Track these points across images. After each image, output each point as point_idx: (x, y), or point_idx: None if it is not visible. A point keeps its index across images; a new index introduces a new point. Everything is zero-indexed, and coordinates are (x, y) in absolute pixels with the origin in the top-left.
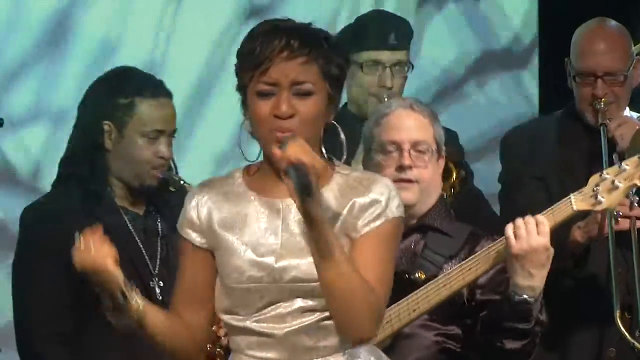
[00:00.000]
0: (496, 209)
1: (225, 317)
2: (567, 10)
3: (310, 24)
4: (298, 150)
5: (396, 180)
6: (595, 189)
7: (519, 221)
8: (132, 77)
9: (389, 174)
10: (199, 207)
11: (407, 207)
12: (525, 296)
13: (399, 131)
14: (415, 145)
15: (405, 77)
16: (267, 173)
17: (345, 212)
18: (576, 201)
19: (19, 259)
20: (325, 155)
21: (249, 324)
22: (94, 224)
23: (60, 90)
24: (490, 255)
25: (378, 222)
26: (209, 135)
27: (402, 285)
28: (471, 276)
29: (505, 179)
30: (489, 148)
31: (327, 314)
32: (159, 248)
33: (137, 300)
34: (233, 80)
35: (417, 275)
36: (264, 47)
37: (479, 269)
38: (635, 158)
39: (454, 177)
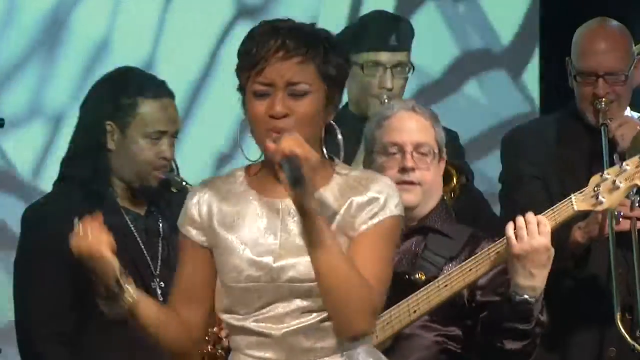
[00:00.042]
0: (496, 208)
1: (225, 317)
2: (568, 10)
3: (313, 24)
4: (292, 144)
5: (399, 182)
6: (596, 189)
7: (520, 221)
8: (135, 77)
9: (391, 175)
10: (200, 205)
11: (409, 209)
12: (526, 296)
13: (401, 133)
14: (417, 147)
15: (406, 78)
16: (267, 173)
17: (342, 211)
18: (577, 201)
19: (20, 258)
20: (326, 156)
21: (248, 323)
22: None
23: (55, 90)
24: (491, 255)
25: (376, 220)
26: (201, 135)
27: (403, 287)
28: (472, 277)
29: (506, 179)
30: (490, 147)
31: (325, 315)
32: (160, 249)
33: (130, 290)
34: (225, 81)
35: (417, 276)
36: (260, 47)
37: (479, 270)
38: (636, 158)
39: (455, 182)
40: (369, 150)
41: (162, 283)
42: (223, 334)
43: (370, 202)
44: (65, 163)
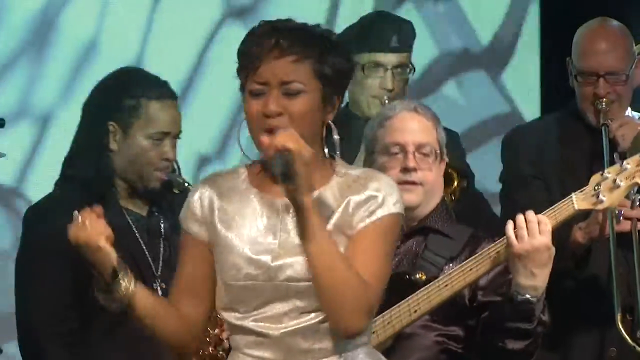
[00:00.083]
0: (496, 208)
1: (226, 315)
2: (568, 10)
3: (317, 25)
4: (286, 139)
5: (400, 182)
6: (596, 188)
7: (520, 221)
8: (138, 78)
9: (393, 175)
10: (201, 201)
11: (410, 209)
12: (527, 296)
13: (403, 133)
14: (419, 147)
15: (407, 80)
16: (268, 172)
17: (341, 210)
18: (578, 200)
19: (22, 258)
20: (327, 155)
21: (247, 323)
22: None
23: (44, 90)
24: (492, 255)
25: (374, 218)
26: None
27: (403, 287)
28: (472, 276)
29: (506, 179)
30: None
31: (323, 316)
32: (161, 249)
33: (127, 281)
34: (214, 81)
35: (417, 276)
36: (256, 47)
37: (480, 269)
38: (636, 157)
39: (455, 184)
40: (369, 151)
41: (163, 284)
42: (224, 335)
43: (367, 200)
44: (67, 163)
